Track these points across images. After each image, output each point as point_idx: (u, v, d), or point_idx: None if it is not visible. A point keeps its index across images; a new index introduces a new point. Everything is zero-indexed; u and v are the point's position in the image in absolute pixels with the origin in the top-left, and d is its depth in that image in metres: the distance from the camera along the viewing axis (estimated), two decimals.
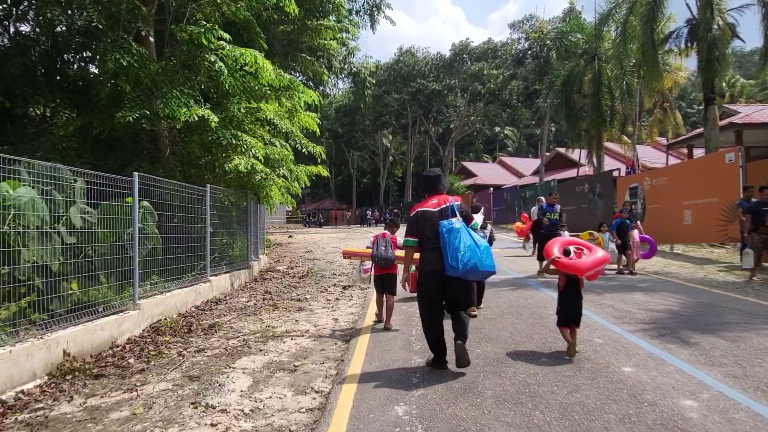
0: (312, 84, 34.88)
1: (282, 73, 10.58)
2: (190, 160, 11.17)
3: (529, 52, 33.84)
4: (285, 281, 10.78)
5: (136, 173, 6.51)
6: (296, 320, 6.96)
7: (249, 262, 11.28)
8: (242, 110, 10.16)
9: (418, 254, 4.62)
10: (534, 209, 13.09)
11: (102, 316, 5.73)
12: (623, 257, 10.63)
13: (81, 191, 5.85)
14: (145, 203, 6.94)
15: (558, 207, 10.70)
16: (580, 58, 25.40)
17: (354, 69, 35.80)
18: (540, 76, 32.91)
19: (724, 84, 43.34)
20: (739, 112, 20.28)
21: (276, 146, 10.86)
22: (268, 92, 10.66)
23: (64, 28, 10.47)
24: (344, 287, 9.99)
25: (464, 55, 43.77)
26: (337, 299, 8.68)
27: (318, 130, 11.27)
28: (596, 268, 4.83)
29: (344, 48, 33.29)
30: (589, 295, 7.65)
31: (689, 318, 6.24)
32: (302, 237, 28.54)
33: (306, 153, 11.77)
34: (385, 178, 58.84)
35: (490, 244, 6.66)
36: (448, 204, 4.49)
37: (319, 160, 13.64)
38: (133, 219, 6.37)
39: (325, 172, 13.26)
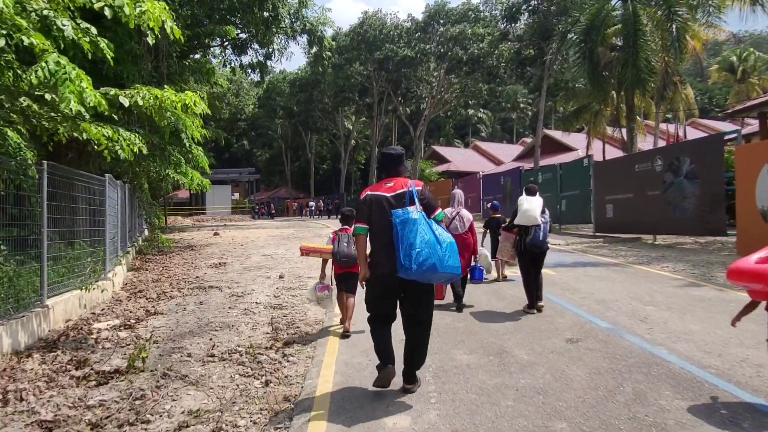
0: (257, 46, 27.57)
1: None
2: None
3: (525, 6, 27.47)
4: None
5: None
6: None
7: None
8: None
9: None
10: None
11: None
12: None
13: None
14: None
15: None
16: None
17: (308, 26, 28.33)
18: (538, 37, 26.61)
19: (734, 58, 38.70)
20: None
21: None
22: None
23: None
24: None
25: (440, 20, 37.02)
26: None
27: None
28: None
29: None
30: None
31: None
32: (233, 234, 21.22)
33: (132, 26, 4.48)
34: (346, 164, 51.54)
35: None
36: (406, 188, 3.59)
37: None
38: None
39: (203, 106, 6.04)
